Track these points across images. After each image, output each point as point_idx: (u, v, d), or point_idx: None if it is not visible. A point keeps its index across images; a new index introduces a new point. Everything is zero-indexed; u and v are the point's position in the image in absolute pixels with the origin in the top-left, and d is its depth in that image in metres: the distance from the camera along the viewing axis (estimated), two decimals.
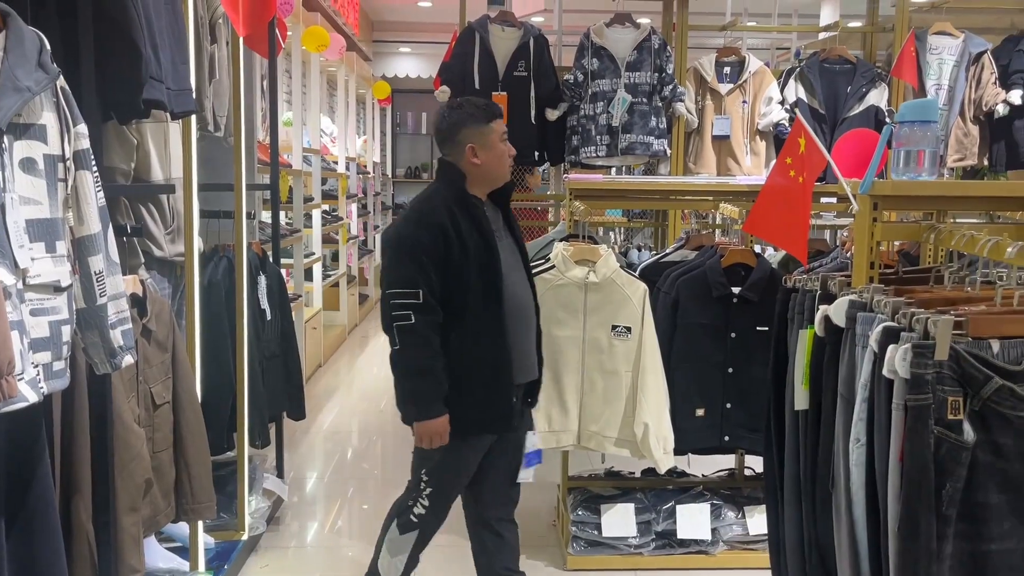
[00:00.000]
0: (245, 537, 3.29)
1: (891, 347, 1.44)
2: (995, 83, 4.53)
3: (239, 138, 3.21)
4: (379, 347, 7.58)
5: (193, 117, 2.74)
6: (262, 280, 3.61)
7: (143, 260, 2.83)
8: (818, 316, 1.68)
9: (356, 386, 6.34)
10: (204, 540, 2.95)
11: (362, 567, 2.85)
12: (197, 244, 2.84)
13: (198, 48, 3.01)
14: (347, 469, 4.60)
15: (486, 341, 2.49)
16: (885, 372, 1.44)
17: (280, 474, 3.90)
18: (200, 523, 2.84)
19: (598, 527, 3.34)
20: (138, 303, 2.47)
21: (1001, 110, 4.50)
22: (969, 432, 1.40)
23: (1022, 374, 1.41)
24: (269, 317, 3.67)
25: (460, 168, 2.54)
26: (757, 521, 3.33)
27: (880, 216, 1.72)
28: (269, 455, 3.91)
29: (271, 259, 3.87)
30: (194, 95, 2.72)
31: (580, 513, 3.38)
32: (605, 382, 3.11)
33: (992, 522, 1.41)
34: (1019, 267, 1.51)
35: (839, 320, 1.63)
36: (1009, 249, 1.46)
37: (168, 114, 2.54)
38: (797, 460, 1.89)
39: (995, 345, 1.43)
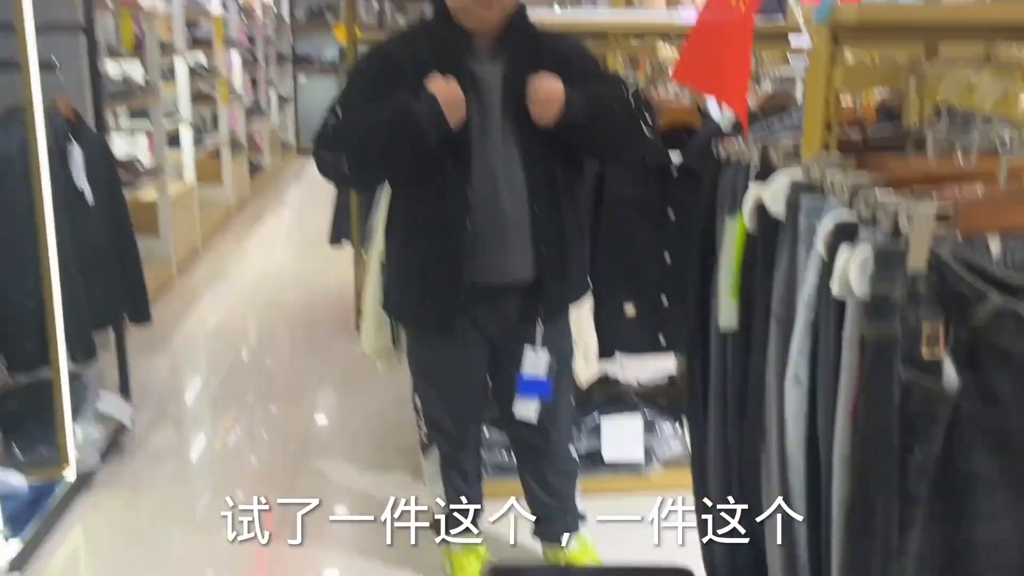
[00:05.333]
0: (71, 475, 2.99)
1: (843, 249, 1.08)
2: None
3: None
4: (279, 224, 7.20)
5: None
6: (75, 151, 3.14)
7: None
8: (748, 201, 1.31)
9: (249, 271, 5.93)
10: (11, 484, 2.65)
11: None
12: None
13: None
14: (242, 372, 4.30)
15: (431, 217, 2.20)
16: (835, 289, 1.09)
17: (125, 392, 3.55)
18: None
19: (508, 448, 3.08)
20: None
21: None
22: (952, 376, 1.06)
23: None
24: (92, 201, 3.23)
25: None
26: None
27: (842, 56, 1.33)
28: (109, 372, 3.54)
29: (93, 125, 3.38)
30: None
31: (489, 433, 3.12)
32: None
33: (979, 498, 1.10)
34: None
35: (776, 208, 1.26)
36: None
37: None
38: (724, 382, 1.58)
39: (995, 246, 1.08)
